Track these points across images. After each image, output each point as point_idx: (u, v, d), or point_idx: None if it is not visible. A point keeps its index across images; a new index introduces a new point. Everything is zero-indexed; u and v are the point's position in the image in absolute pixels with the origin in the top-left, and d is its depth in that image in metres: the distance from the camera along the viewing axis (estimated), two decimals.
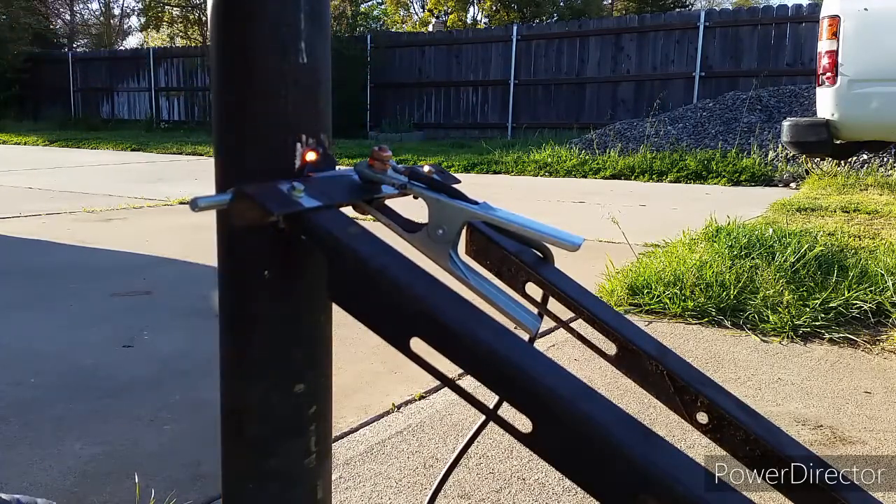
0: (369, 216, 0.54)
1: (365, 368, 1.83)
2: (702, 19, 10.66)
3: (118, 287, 2.70)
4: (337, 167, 0.55)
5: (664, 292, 2.38)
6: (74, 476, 1.30)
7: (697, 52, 10.60)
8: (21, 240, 3.64)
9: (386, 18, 21.40)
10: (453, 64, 12.56)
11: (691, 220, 3.40)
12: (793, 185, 6.49)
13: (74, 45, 23.63)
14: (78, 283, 2.77)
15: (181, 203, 4.95)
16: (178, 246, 3.43)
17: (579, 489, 1.22)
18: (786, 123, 4.57)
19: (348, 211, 0.52)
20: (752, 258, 2.69)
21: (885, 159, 6.51)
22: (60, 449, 1.40)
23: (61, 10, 26.13)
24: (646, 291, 2.42)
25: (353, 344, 1.99)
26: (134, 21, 28.08)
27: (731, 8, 18.13)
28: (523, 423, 0.44)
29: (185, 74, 15.37)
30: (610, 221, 3.10)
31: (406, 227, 0.52)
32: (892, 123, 4.28)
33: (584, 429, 0.41)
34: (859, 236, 3.53)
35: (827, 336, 2.09)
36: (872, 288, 2.33)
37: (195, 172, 7.43)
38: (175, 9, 18.97)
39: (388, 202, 0.55)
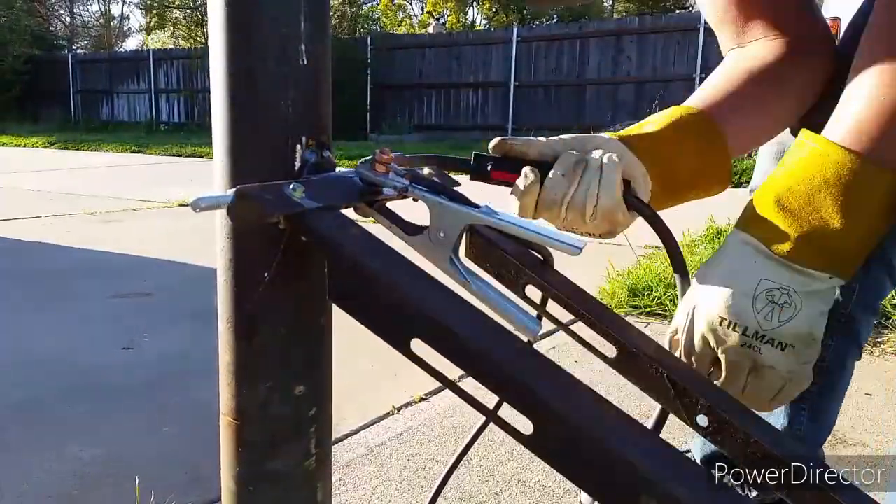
0: (370, 218, 0.54)
1: (365, 370, 1.83)
2: (702, 21, 10.62)
3: (118, 289, 2.69)
4: (337, 169, 0.55)
5: (665, 294, 2.38)
6: (74, 478, 1.30)
7: (698, 54, 10.59)
8: (21, 241, 3.64)
9: (385, 20, 21.38)
10: (453, 66, 12.56)
11: (692, 222, 3.39)
12: None
13: (74, 47, 23.63)
14: (78, 285, 2.77)
15: (181, 205, 4.95)
16: (177, 247, 3.43)
17: (580, 491, 1.22)
18: None
19: (349, 213, 0.52)
20: None
21: None
22: (60, 451, 1.39)
23: (61, 11, 26.17)
24: (646, 293, 2.41)
25: (353, 345, 1.99)
26: (134, 22, 28.12)
27: None
28: (524, 425, 0.44)
29: (186, 76, 15.36)
30: None
31: (407, 230, 0.52)
32: None
33: (585, 431, 0.41)
34: None
35: None
36: None
37: (195, 174, 7.43)
38: (177, 11, 18.99)
39: (389, 204, 0.55)
